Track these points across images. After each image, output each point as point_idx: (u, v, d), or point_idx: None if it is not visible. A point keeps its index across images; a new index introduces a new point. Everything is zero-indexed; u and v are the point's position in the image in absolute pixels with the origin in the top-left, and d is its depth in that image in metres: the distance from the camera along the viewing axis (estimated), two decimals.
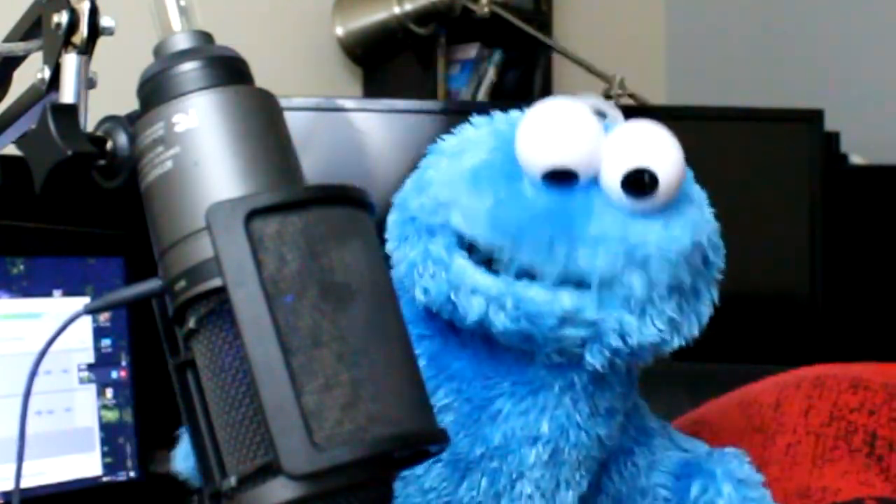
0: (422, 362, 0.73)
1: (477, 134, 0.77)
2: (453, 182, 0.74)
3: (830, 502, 0.85)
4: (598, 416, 0.78)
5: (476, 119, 0.79)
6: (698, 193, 0.78)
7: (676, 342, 0.76)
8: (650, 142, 0.73)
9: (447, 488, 0.77)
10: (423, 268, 0.75)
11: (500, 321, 0.72)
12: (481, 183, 0.73)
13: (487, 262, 0.73)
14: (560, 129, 0.72)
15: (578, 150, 0.71)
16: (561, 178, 0.71)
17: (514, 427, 0.76)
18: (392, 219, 0.79)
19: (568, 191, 0.72)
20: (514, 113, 0.78)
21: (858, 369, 0.95)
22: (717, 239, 0.80)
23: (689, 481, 0.81)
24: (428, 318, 0.78)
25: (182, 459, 0.82)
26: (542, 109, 0.73)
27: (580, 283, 0.72)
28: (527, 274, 0.72)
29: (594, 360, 0.74)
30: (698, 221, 0.75)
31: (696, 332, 0.77)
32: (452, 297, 0.74)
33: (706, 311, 0.78)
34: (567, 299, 0.72)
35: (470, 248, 0.74)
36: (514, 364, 0.76)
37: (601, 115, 0.74)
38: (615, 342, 0.73)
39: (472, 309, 0.73)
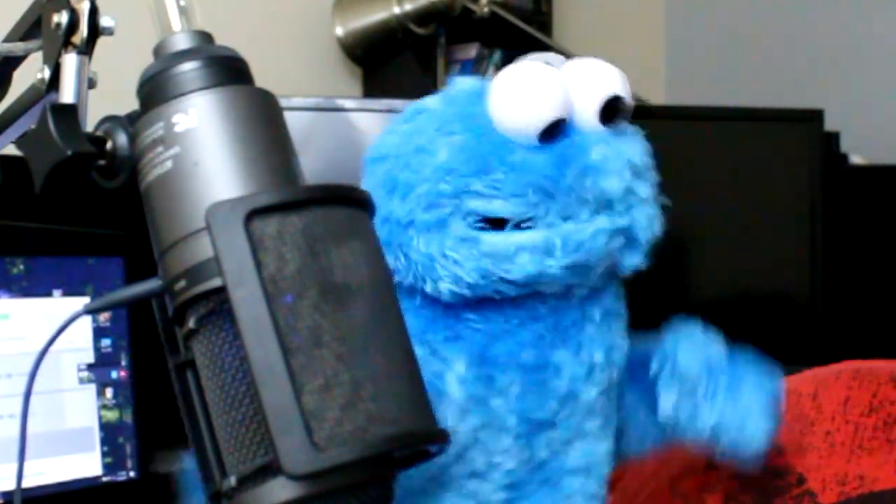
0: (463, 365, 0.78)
1: (419, 124, 0.79)
2: (446, 173, 0.76)
3: (868, 491, 0.86)
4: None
5: (400, 114, 0.81)
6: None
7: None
8: (602, 71, 0.78)
9: (519, 446, 0.80)
10: (446, 258, 0.76)
11: (555, 265, 0.75)
12: (481, 162, 0.75)
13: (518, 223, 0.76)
14: (535, 86, 0.75)
15: (559, 96, 0.75)
16: (553, 133, 0.75)
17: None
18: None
19: (558, 141, 0.76)
20: (440, 93, 0.80)
21: None
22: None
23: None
24: (435, 322, 0.79)
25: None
26: (507, 78, 0.76)
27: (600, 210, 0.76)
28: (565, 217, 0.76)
29: (633, 260, 0.79)
30: (637, 132, 0.81)
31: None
32: (491, 267, 0.75)
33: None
34: (602, 220, 0.76)
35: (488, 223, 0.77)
36: (552, 315, 0.79)
37: (553, 66, 0.78)
38: (648, 235, 0.78)
39: (521, 267, 0.75)
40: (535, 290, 0.77)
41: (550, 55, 0.81)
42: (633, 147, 0.78)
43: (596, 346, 0.80)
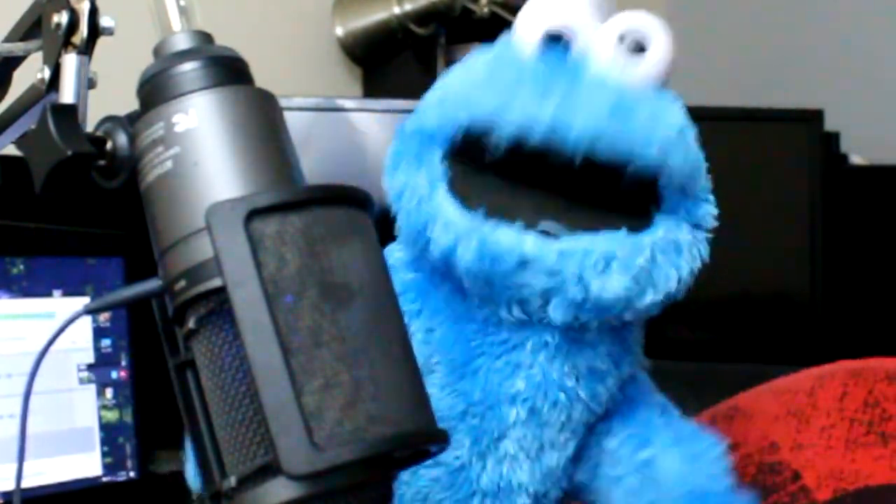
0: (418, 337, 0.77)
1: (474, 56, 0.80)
2: (448, 78, 0.78)
3: (863, 486, 0.86)
4: (577, 377, 0.78)
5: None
6: (689, 121, 0.79)
7: (650, 297, 0.74)
8: (646, 17, 0.75)
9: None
10: (408, 197, 0.77)
11: (465, 259, 0.73)
12: (478, 65, 0.76)
13: (466, 198, 0.75)
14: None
15: (573, 13, 0.74)
16: (555, 47, 0.74)
17: (493, 383, 0.77)
18: (390, 149, 0.82)
19: (562, 55, 0.74)
20: None
21: (893, 363, 0.95)
22: (705, 189, 0.78)
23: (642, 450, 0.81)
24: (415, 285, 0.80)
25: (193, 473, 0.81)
26: None
27: (562, 153, 0.72)
28: (518, 144, 0.73)
29: (556, 314, 0.74)
30: (692, 130, 0.77)
31: (673, 287, 0.75)
32: (427, 230, 0.75)
33: (687, 264, 0.76)
34: (531, 243, 0.73)
35: (455, 157, 0.76)
36: (490, 324, 0.77)
37: (602, 10, 0.77)
38: (576, 294, 0.73)
39: (440, 242, 0.74)
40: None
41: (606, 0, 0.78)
42: (648, 93, 0.74)
43: (526, 374, 0.77)
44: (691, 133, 0.76)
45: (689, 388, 1.20)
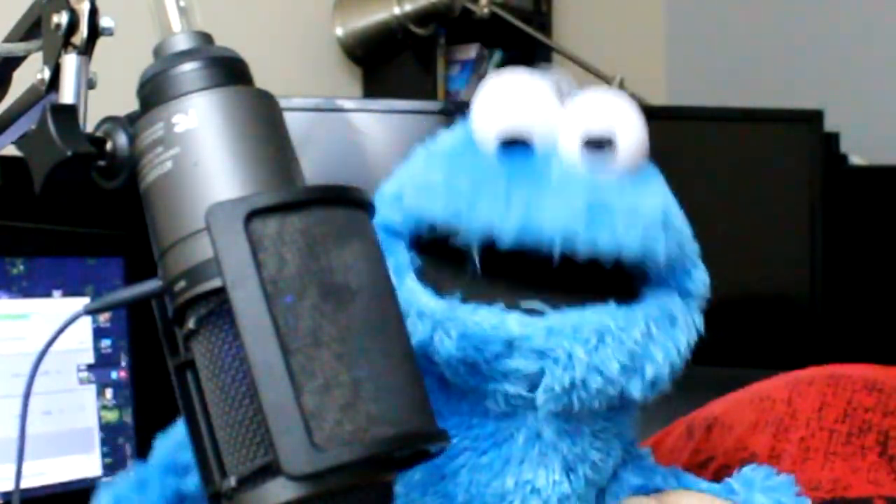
0: None
1: (446, 133, 0.74)
2: (406, 171, 0.71)
3: (840, 496, 0.86)
4: (574, 467, 0.71)
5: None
6: (669, 195, 0.72)
7: (648, 374, 0.68)
8: (610, 105, 0.69)
9: None
10: None
11: (445, 347, 0.67)
12: (434, 160, 0.70)
13: (438, 285, 0.69)
14: (513, 94, 0.69)
15: (533, 113, 0.68)
16: (516, 149, 0.68)
17: (478, 483, 0.70)
18: None
19: (525, 157, 0.68)
20: None
21: (871, 371, 0.95)
22: (694, 256, 0.73)
23: None
24: None
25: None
26: (496, 79, 0.70)
27: (538, 250, 0.66)
28: (487, 244, 0.67)
29: (547, 401, 0.67)
30: (672, 207, 0.70)
31: (664, 374, 0.69)
32: None
33: (683, 336, 0.71)
34: (515, 322, 0.67)
35: (423, 247, 0.70)
36: (473, 415, 0.70)
37: (562, 92, 0.71)
38: (568, 375, 0.66)
39: (415, 334, 0.67)
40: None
41: (569, 81, 0.72)
42: (618, 190, 0.67)
43: (516, 471, 0.70)
44: (673, 210, 0.71)
45: (686, 391, 1.19)
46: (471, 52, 2.61)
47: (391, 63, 2.47)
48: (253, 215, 0.51)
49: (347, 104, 1.91)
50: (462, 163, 0.68)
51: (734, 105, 2.23)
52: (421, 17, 2.39)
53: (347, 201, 0.54)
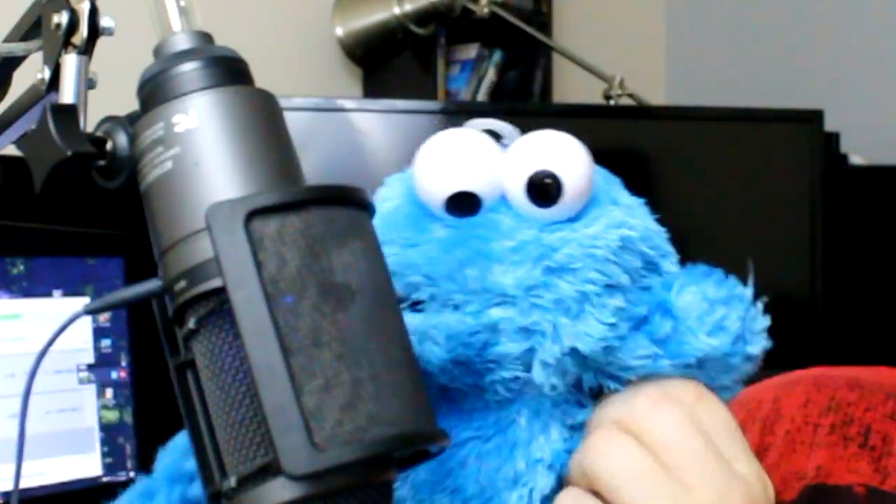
0: None
1: (386, 192, 0.74)
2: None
3: (821, 482, 0.87)
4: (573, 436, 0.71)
5: (388, 179, 0.75)
6: (629, 199, 0.72)
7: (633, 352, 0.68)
8: (550, 146, 0.69)
9: None
10: None
11: (436, 354, 0.67)
12: (387, 232, 0.69)
13: (415, 303, 0.69)
14: (451, 154, 0.69)
15: (474, 170, 0.68)
16: (464, 205, 0.68)
17: (488, 471, 0.70)
18: None
19: (473, 216, 0.69)
20: None
21: (855, 371, 0.97)
22: (664, 245, 0.73)
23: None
24: None
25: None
26: (432, 142, 0.70)
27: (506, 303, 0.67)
28: (455, 306, 0.68)
29: (542, 376, 0.67)
30: (625, 222, 0.69)
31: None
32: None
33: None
34: (496, 311, 0.67)
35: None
36: (474, 410, 0.71)
37: (496, 136, 0.71)
38: (555, 348, 0.67)
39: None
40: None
41: (501, 124, 0.72)
42: (568, 236, 0.67)
43: (525, 451, 0.69)
44: (631, 225, 0.70)
45: None
46: (471, 52, 2.61)
47: (391, 63, 2.48)
48: (253, 215, 0.51)
49: (347, 104, 1.91)
50: (414, 233, 0.69)
51: (734, 105, 2.23)
52: (421, 17, 2.39)
53: (348, 201, 0.54)
